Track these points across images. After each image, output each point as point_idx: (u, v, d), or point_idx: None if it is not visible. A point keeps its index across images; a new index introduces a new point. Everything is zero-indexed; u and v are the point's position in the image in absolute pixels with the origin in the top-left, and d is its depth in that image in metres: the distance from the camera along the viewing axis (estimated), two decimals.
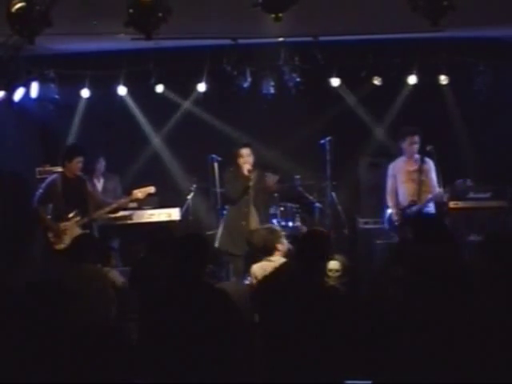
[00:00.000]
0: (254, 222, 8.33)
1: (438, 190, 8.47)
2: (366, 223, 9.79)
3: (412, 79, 9.73)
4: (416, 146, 8.51)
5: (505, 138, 9.74)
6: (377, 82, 9.77)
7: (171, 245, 6.17)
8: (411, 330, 4.32)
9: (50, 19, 5.70)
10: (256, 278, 6.24)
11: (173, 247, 6.20)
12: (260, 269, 6.26)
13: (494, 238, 5.04)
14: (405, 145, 8.56)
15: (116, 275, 6.78)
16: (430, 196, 8.46)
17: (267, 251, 6.44)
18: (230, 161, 8.70)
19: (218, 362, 4.33)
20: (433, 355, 4.19)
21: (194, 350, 4.35)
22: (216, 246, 8.34)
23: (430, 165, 8.56)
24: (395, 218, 8.60)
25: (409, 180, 8.60)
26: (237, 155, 8.46)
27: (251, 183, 8.35)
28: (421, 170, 8.48)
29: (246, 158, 8.40)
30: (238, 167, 8.44)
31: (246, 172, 8.34)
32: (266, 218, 8.76)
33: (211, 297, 4.55)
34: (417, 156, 8.58)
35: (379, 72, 9.68)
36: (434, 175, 8.54)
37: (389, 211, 9.00)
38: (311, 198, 9.78)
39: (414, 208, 8.41)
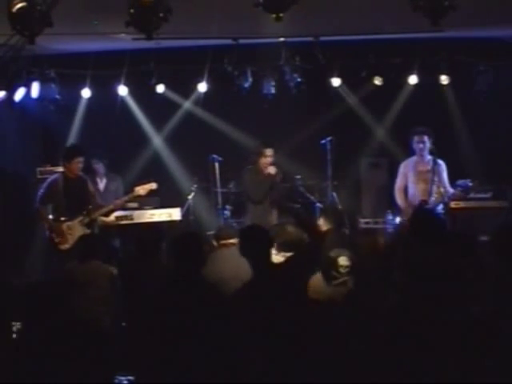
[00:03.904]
0: (274, 218, 8.37)
1: (451, 190, 8.60)
2: (366, 223, 9.78)
3: (413, 79, 9.74)
4: (422, 146, 8.61)
5: (505, 138, 9.75)
6: (377, 81, 9.78)
7: (159, 246, 6.22)
8: (410, 332, 4.33)
9: (50, 19, 5.70)
10: None
11: (161, 247, 6.26)
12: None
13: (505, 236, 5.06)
14: (413, 144, 8.66)
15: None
16: (447, 195, 8.56)
17: (288, 247, 6.43)
18: (249, 159, 8.80)
19: (214, 360, 4.33)
20: (433, 357, 4.20)
21: (190, 348, 4.35)
22: None
23: (443, 167, 8.68)
24: (404, 215, 8.58)
25: (420, 180, 8.69)
26: (259, 154, 8.56)
27: (276, 181, 8.42)
28: (433, 171, 8.54)
29: (269, 159, 8.54)
30: (258, 166, 8.50)
31: (272, 172, 8.47)
32: (283, 214, 8.80)
33: (207, 295, 4.55)
34: (429, 157, 8.64)
35: (380, 72, 9.68)
36: (446, 177, 8.67)
37: (390, 216, 9.05)
38: (312, 198, 9.79)
39: (428, 207, 8.46)
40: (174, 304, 4.55)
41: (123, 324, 5.97)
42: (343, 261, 5.77)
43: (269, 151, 8.55)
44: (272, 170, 8.47)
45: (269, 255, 5.02)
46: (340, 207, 9.11)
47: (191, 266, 4.67)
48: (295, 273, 5.38)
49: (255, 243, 4.96)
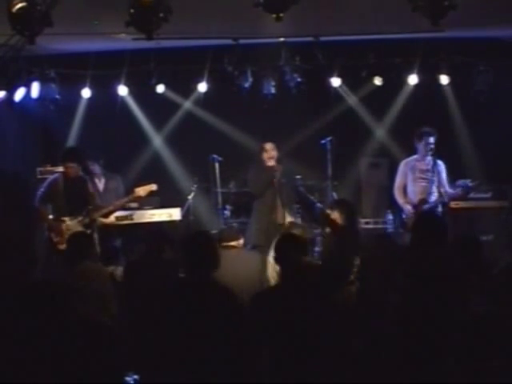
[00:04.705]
0: (281, 215, 8.35)
1: (451, 190, 8.66)
2: (366, 223, 9.78)
3: (412, 79, 9.74)
4: (431, 147, 8.62)
5: (505, 138, 9.74)
6: (377, 81, 9.79)
7: (165, 246, 6.21)
8: (411, 333, 4.34)
9: (50, 19, 5.72)
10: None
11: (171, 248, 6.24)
12: None
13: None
14: (421, 145, 8.66)
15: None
16: (447, 195, 8.63)
17: None
18: (241, 161, 8.86)
19: (221, 362, 4.31)
20: (435, 358, 4.20)
21: (197, 349, 4.33)
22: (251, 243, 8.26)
23: (442, 167, 8.73)
24: (408, 213, 8.64)
25: (420, 178, 8.75)
26: (261, 150, 8.62)
27: (276, 176, 8.42)
28: (433, 171, 8.60)
29: (270, 152, 8.55)
30: (262, 162, 8.57)
31: (269, 164, 8.48)
32: (293, 213, 8.80)
33: (218, 297, 4.50)
34: (429, 157, 8.67)
35: (380, 72, 9.69)
36: (445, 177, 8.72)
37: (390, 216, 9.10)
38: (312, 198, 9.79)
39: (428, 205, 8.52)
40: (185, 304, 4.49)
41: (131, 324, 5.95)
42: (356, 260, 5.78)
43: (268, 145, 8.58)
44: (271, 162, 8.51)
45: (299, 261, 4.93)
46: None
47: (204, 266, 4.61)
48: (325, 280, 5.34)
49: (289, 249, 4.90)
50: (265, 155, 8.57)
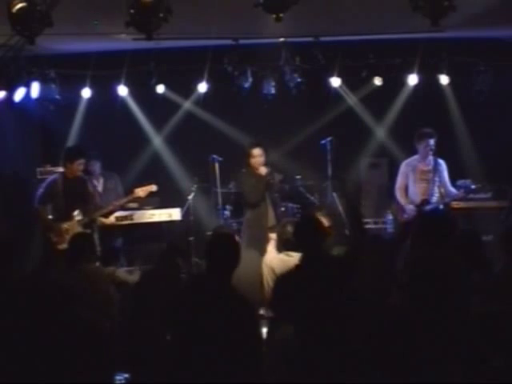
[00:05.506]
0: (271, 218, 8.31)
1: (453, 190, 8.64)
2: (366, 223, 9.78)
3: (412, 79, 9.74)
4: (432, 148, 8.60)
5: (505, 138, 9.75)
6: (377, 82, 9.79)
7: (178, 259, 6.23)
8: (412, 332, 4.33)
9: (50, 19, 5.72)
10: (272, 269, 6.23)
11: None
12: (280, 261, 6.23)
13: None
14: (421, 146, 8.64)
15: (124, 273, 6.82)
16: (450, 195, 8.63)
17: (290, 246, 6.42)
18: (241, 162, 8.56)
19: (231, 368, 4.28)
20: (435, 358, 4.20)
21: (208, 354, 4.29)
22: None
23: (444, 166, 8.71)
24: (408, 212, 8.63)
25: (421, 179, 8.73)
26: (248, 156, 8.32)
27: (271, 183, 8.32)
28: (434, 171, 8.58)
29: (258, 159, 8.27)
30: (251, 168, 8.32)
31: (262, 173, 8.23)
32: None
33: (234, 301, 4.41)
34: (430, 157, 8.66)
35: (380, 72, 9.69)
36: (446, 176, 8.69)
37: (390, 217, 9.09)
38: (312, 198, 9.80)
39: (430, 206, 8.51)
40: (200, 303, 4.43)
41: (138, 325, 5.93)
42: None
43: (256, 151, 8.29)
44: (263, 170, 8.29)
45: (320, 248, 4.90)
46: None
47: (227, 267, 4.50)
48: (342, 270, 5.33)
49: (310, 234, 4.86)
50: (252, 161, 8.29)
